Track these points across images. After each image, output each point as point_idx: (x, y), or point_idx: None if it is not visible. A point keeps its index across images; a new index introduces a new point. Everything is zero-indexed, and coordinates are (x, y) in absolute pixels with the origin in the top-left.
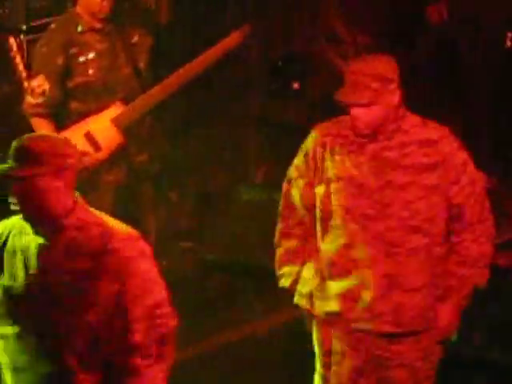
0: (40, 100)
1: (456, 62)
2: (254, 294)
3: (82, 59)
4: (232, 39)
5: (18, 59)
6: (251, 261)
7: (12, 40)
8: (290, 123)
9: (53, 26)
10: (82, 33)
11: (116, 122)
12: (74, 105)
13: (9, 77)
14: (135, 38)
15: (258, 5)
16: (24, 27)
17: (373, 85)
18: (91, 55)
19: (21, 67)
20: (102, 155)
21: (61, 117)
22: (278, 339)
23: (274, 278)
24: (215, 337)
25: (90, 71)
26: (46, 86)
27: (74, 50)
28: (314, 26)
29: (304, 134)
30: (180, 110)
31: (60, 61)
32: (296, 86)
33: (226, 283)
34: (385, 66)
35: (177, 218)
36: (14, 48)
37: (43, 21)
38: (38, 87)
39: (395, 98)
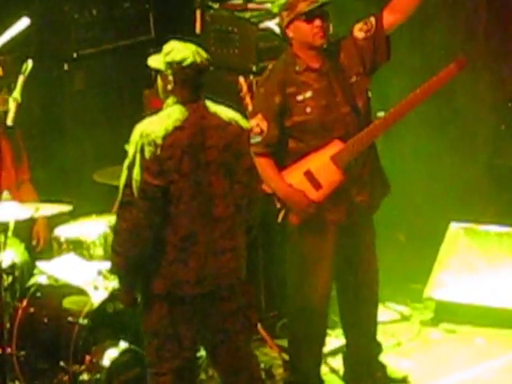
0: (258, 139)
1: None
2: None
3: (299, 98)
4: (448, 71)
5: (248, 100)
6: None
7: (242, 80)
8: None
9: (270, 66)
10: (299, 72)
11: (336, 159)
12: (292, 143)
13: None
14: (353, 78)
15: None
16: (254, 68)
17: None
18: (309, 94)
19: (250, 108)
20: (322, 193)
21: (280, 156)
22: None
23: None
24: None
25: (308, 110)
26: (264, 126)
27: (291, 90)
28: None
29: None
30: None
31: (277, 100)
32: None
33: None
34: None
35: (405, 258)
36: (244, 89)
37: (273, 62)
38: (256, 126)
39: None
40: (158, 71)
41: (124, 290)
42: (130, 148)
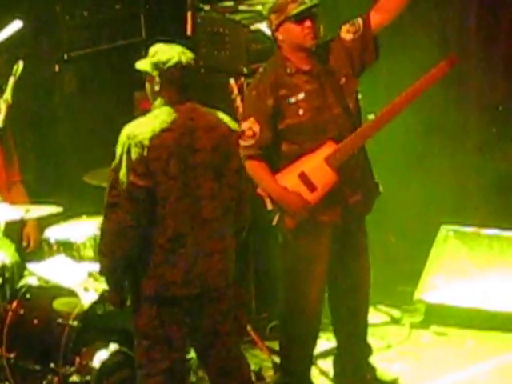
0: (251, 142)
1: None
2: None
3: (292, 100)
4: (439, 69)
5: (238, 102)
6: None
7: (233, 82)
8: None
9: (261, 69)
10: (290, 75)
11: (330, 161)
12: (285, 146)
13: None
14: (343, 80)
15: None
16: (245, 70)
17: None
18: (301, 96)
19: (241, 110)
20: (317, 195)
21: (273, 159)
22: None
23: None
24: None
25: (301, 112)
26: (257, 128)
27: (283, 92)
28: None
29: None
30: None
31: (270, 102)
32: None
33: None
34: None
35: (395, 260)
36: (235, 91)
37: (263, 65)
38: (249, 130)
39: None
40: (146, 74)
41: (111, 291)
42: (117, 149)
